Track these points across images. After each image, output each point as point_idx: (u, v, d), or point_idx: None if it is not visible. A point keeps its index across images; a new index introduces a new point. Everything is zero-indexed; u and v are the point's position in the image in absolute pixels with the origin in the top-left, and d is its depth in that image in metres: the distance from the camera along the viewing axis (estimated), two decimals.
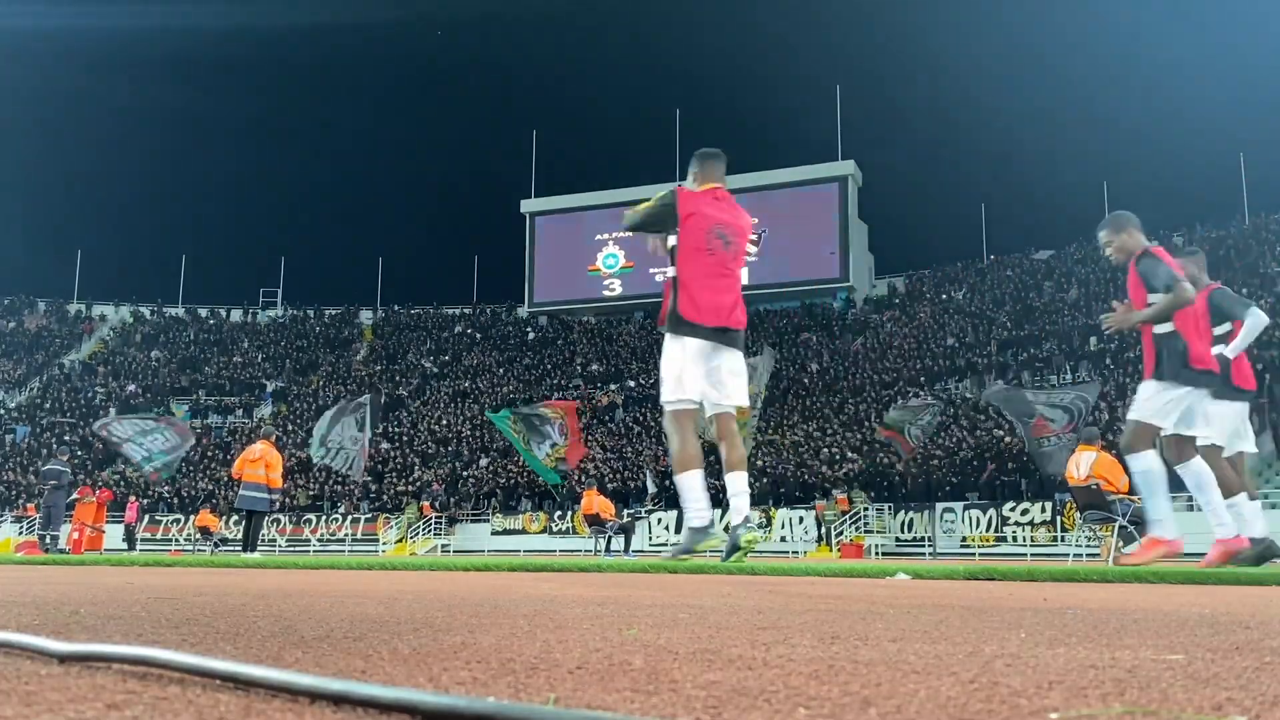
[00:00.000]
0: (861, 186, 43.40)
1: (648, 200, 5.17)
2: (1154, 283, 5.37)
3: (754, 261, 42.76)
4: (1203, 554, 6.01)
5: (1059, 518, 21.79)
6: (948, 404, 27.64)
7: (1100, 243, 5.69)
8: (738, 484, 5.01)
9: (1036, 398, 18.80)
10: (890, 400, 31.55)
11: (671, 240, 5.08)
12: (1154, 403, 5.35)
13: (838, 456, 27.92)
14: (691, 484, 5.00)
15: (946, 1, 67.69)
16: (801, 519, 25.11)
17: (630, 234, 5.42)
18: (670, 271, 5.09)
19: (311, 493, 32.17)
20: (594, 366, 40.32)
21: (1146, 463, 5.31)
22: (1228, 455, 6.04)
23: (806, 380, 34.93)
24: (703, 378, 4.98)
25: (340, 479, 29.89)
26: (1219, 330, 6.15)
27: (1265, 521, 5.96)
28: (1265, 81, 56.74)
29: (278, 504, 17.13)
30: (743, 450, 5.12)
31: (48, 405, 41.09)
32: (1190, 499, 6.75)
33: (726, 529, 5.14)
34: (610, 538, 17.49)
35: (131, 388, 41.99)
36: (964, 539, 23.14)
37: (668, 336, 5.06)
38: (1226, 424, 6.04)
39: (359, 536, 29.19)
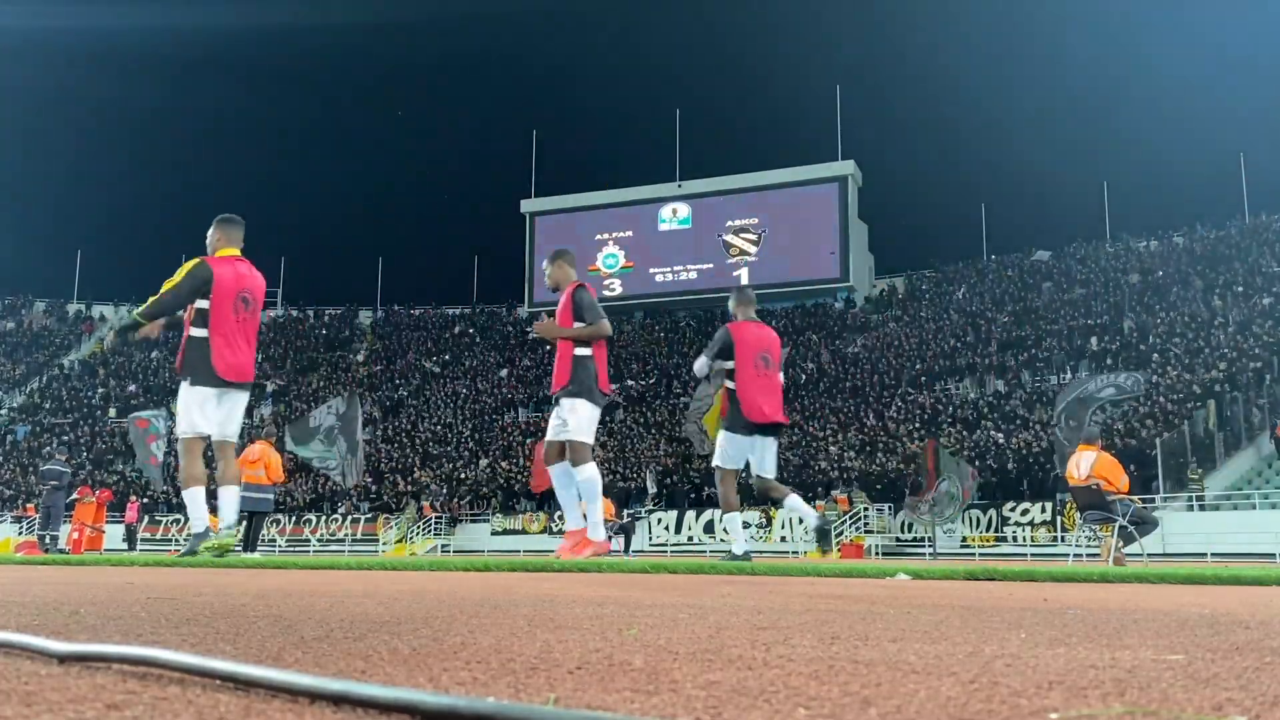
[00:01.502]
0: (861, 186, 43.40)
1: (171, 281, 6.05)
2: (583, 313, 6.30)
3: (754, 261, 42.82)
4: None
5: (1059, 518, 21.79)
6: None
7: (542, 270, 6.66)
8: (228, 496, 6.27)
9: (1099, 388, 18.75)
10: (890, 400, 31.55)
11: (203, 304, 6.00)
12: (586, 422, 6.26)
13: (838, 456, 27.91)
14: (196, 499, 6.15)
15: (947, 2, 67.69)
16: (801, 519, 25.08)
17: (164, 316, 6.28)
18: (196, 331, 6.02)
19: (311, 495, 32.17)
20: None
21: (590, 472, 6.20)
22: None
23: (806, 380, 34.92)
24: (214, 417, 6.14)
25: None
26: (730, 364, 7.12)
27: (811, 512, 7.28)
28: (1265, 81, 56.78)
29: (276, 498, 17.08)
30: (236, 469, 6.43)
31: (48, 405, 41.08)
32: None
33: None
34: (610, 538, 17.51)
35: (131, 388, 41.99)
36: (964, 539, 23.14)
37: (189, 382, 6.07)
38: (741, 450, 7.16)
39: (359, 536, 29.17)
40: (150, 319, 6.14)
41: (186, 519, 29.94)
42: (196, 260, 6.08)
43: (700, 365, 7.14)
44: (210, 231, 6.31)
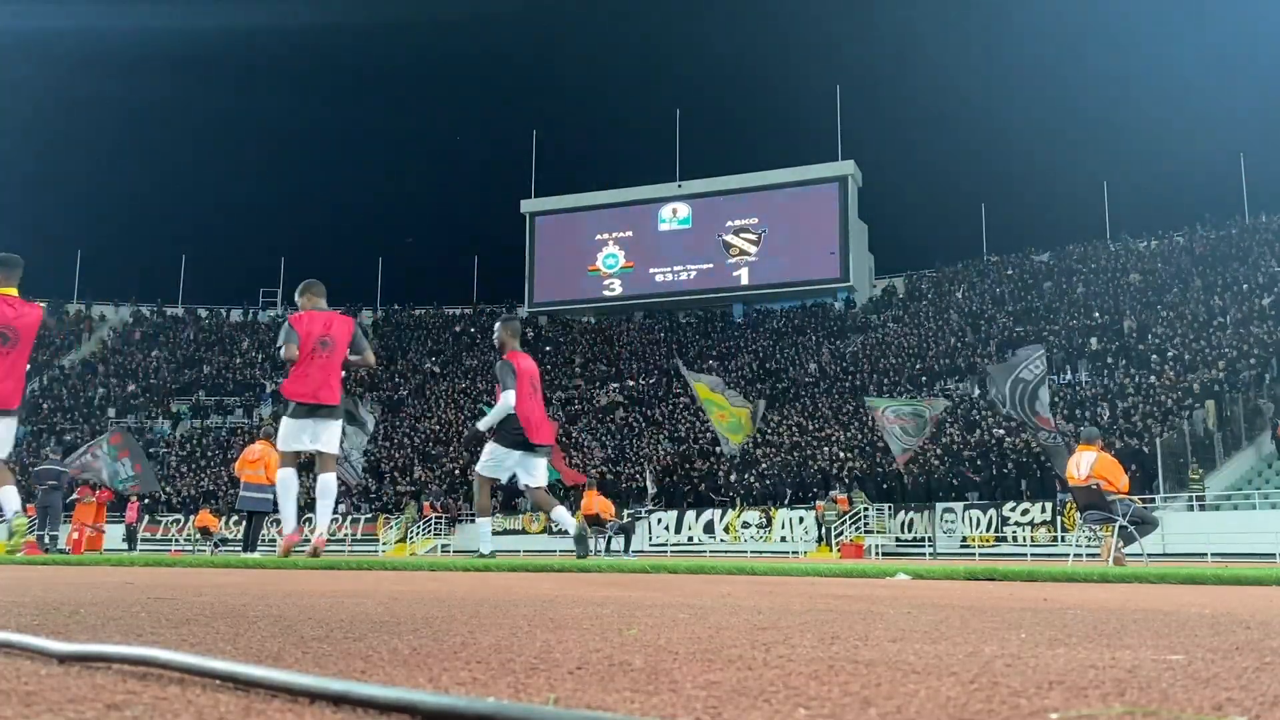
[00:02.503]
0: (861, 186, 43.39)
1: None
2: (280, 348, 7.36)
3: (754, 261, 42.81)
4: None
5: (1059, 518, 21.78)
6: (946, 407, 27.59)
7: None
8: (8, 496, 7.32)
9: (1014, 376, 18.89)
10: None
11: None
12: (281, 439, 7.36)
13: (837, 456, 27.91)
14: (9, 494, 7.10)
15: (946, 2, 67.70)
16: (801, 519, 25.09)
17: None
18: None
19: (311, 495, 32.15)
20: (594, 366, 40.32)
21: (287, 475, 7.37)
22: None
23: (807, 380, 34.92)
24: None
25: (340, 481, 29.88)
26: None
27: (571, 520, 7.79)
28: (1265, 81, 56.78)
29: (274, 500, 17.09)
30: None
31: (47, 405, 41.08)
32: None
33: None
34: (610, 538, 17.49)
35: (131, 388, 41.99)
36: (964, 539, 23.13)
37: None
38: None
39: (359, 536, 29.18)
40: None
41: (186, 518, 29.80)
42: None
43: (509, 402, 7.68)
44: None
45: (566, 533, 7.83)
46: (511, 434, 7.73)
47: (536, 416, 7.83)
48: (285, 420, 7.32)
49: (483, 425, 8.00)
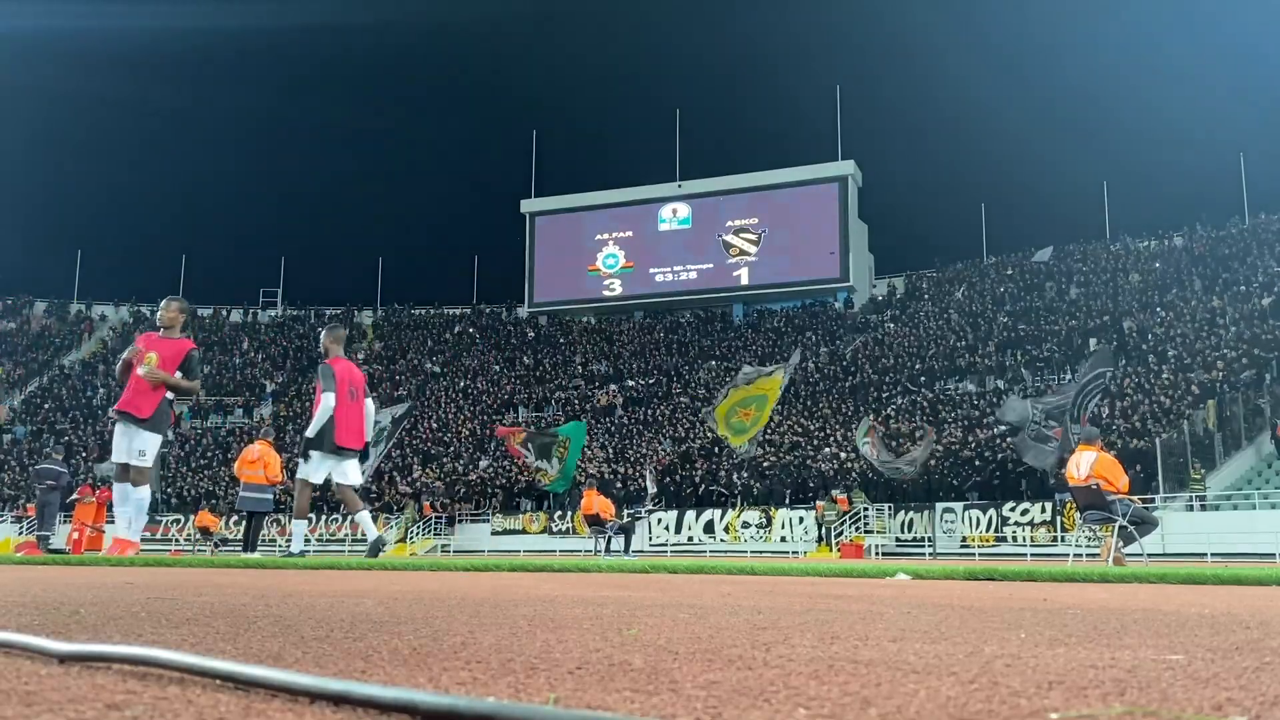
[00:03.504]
0: (861, 186, 43.38)
1: None
2: (191, 369, 7.67)
3: (754, 261, 42.81)
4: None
5: (1059, 518, 21.77)
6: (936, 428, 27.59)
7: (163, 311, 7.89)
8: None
9: (1038, 407, 19.06)
10: (890, 400, 31.56)
11: None
12: (151, 452, 7.64)
13: (837, 456, 27.91)
14: None
15: (947, 2, 67.70)
16: (801, 519, 25.08)
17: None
18: None
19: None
20: (594, 366, 40.31)
21: (144, 493, 7.68)
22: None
23: (806, 380, 34.91)
24: None
25: None
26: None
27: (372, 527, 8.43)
28: (1265, 81, 56.79)
29: (276, 498, 17.08)
30: None
31: (47, 405, 41.07)
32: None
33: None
34: (610, 538, 17.48)
35: None
36: (964, 539, 23.13)
37: None
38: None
39: (359, 536, 29.15)
40: None
41: (186, 518, 29.78)
42: None
43: (330, 404, 8.20)
44: None
45: (365, 538, 8.40)
46: (329, 439, 8.21)
47: (354, 421, 8.35)
48: (158, 440, 7.71)
49: (311, 432, 8.34)
